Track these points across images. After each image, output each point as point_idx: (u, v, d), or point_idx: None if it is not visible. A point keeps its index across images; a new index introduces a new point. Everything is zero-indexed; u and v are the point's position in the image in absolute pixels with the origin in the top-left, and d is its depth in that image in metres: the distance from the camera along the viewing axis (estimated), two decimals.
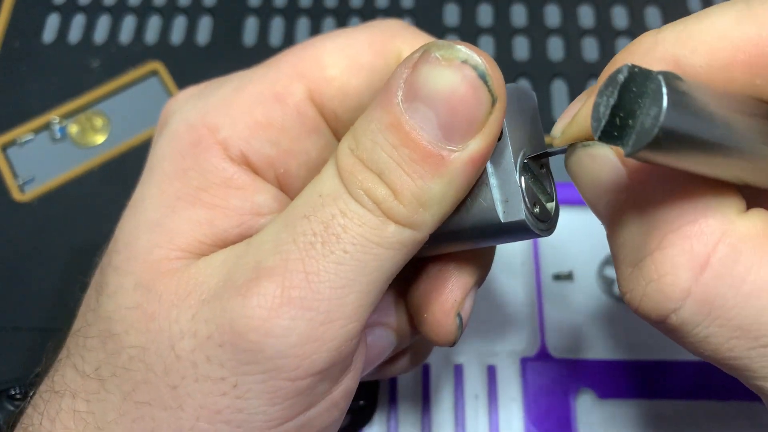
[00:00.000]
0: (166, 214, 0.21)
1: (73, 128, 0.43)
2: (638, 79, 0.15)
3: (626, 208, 0.18)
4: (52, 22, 0.47)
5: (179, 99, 0.24)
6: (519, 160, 0.21)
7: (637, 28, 0.46)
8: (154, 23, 0.47)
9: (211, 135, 0.22)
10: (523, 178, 0.20)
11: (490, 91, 0.19)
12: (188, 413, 0.19)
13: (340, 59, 0.23)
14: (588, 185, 0.19)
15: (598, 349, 0.35)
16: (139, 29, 0.47)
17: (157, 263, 0.20)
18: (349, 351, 0.20)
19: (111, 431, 0.20)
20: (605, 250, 0.37)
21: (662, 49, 0.18)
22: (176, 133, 0.22)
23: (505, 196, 0.20)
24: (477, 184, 0.20)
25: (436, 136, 0.19)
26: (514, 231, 0.21)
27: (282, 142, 0.22)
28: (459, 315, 0.24)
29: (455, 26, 0.47)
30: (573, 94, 0.44)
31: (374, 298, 0.20)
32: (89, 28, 0.47)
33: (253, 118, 0.22)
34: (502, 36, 0.46)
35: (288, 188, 0.23)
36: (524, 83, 0.19)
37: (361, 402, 0.33)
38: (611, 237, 0.19)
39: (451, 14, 0.47)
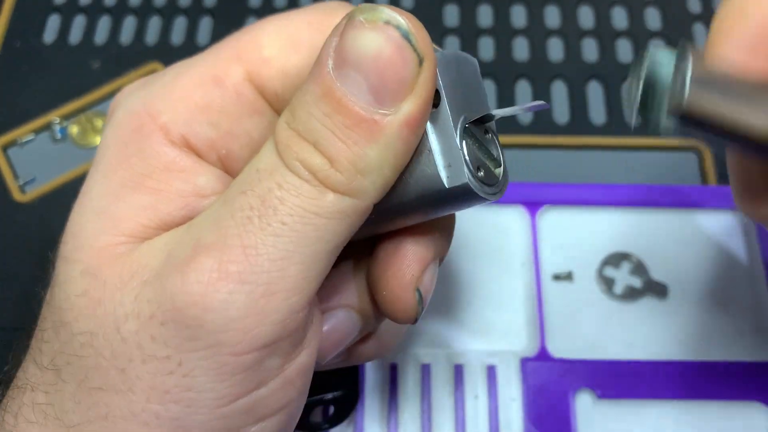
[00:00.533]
0: (111, 202, 0.21)
1: (74, 129, 0.43)
2: (661, 58, 0.17)
3: None
4: (53, 22, 0.47)
5: (125, 91, 0.24)
6: (460, 124, 0.20)
7: (636, 29, 0.46)
8: (154, 24, 0.47)
9: (152, 121, 0.22)
10: (464, 142, 0.20)
11: (415, 50, 0.19)
12: (138, 395, 0.19)
13: (277, 39, 0.23)
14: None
15: (598, 350, 0.35)
16: (140, 30, 0.47)
17: (102, 250, 0.20)
18: (296, 325, 0.20)
19: (69, 420, 0.20)
20: (605, 250, 0.37)
21: None
22: (119, 123, 0.22)
23: (448, 162, 0.20)
24: (419, 152, 0.20)
25: (367, 101, 0.19)
26: (460, 196, 0.21)
27: (222, 124, 0.22)
28: (418, 290, 0.23)
29: (455, 27, 0.47)
30: (573, 95, 0.44)
31: (319, 270, 0.20)
32: (90, 28, 0.47)
33: (192, 101, 0.22)
34: (502, 37, 0.46)
35: (231, 170, 0.23)
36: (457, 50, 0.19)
37: (339, 392, 0.33)
38: None
39: (451, 15, 0.47)
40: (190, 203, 0.21)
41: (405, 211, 0.22)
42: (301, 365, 0.21)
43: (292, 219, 0.19)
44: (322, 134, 0.19)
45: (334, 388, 0.27)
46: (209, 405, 0.19)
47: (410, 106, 0.19)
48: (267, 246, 0.19)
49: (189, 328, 0.19)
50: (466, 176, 0.20)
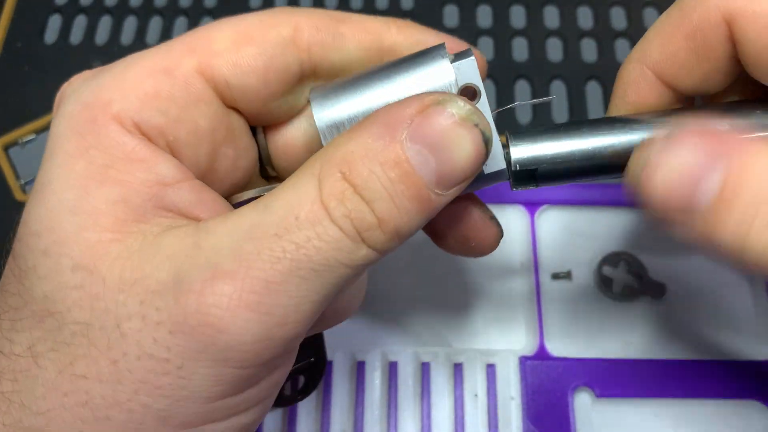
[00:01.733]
0: (81, 196, 0.22)
1: None
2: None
3: (738, 174, 0.20)
4: (54, 23, 0.47)
5: (73, 83, 0.25)
6: (493, 117, 0.22)
7: (635, 30, 0.47)
8: (155, 24, 0.47)
9: (105, 110, 0.22)
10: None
11: (487, 152, 0.21)
12: (126, 386, 0.20)
13: (230, 34, 0.24)
14: (681, 179, 0.20)
15: (597, 348, 0.35)
16: (141, 30, 0.47)
17: (92, 246, 0.21)
18: (294, 346, 0.22)
19: (38, 406, 0.20)
20: (603, 249, 0.38)
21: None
22: (72, 113, 0.23)
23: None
24: None
25: (431, 181, 0.20)
26: (492, 178, 0.23)
27: (170, 111, 0.23)
28: (494, 218, 0.26)
29: (455, 27, 0.47)
30: (571, 95, 0.44)
31: (323, 307, 0.21)
32: (91, 29, 0.47)
33: (142, 90, 0.23)
34: (501, 37, 0.46)
35: (178, 155, 0.24)
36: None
37: (306, 361, 0.33)
38: (720, 212, 0.20)
39: (451, 16, 0.48)
40: (155, 192, 0.22)
41: None
42: (285, 370, 0.23)
43: (323, 267, 0.20)
44: (382, 196, 0.20)
45: (302, 358, 0.27)
46: (199, 401, 0.21)
47: (458, 190, 0.21)
48: (291, 285, 0.20)
49: (199, 342, 0.20)
50: (504, 164, 0.23)
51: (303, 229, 0.20)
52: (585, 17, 0.47)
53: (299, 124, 0.26)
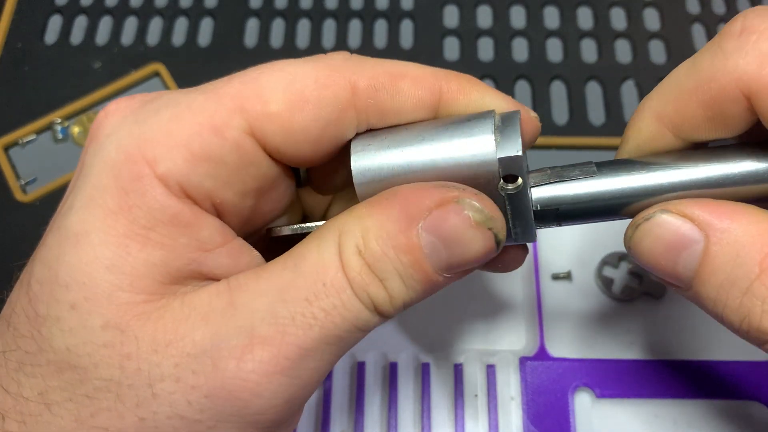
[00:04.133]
0: (120, 255, 0.21)
1: (75, 129, 0.43)
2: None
3: (714, 254, 0.21)
4: (55, 23, 0.47)
5: (113, 118, 0.24)
6: (530, 194, 0.23)
7: (635, 30, 0.47)
8: (155, 25, 0.47)
9: (151, 169, 0.22)
10: (532, 210, 0.23)
11: (498, 249, 0.22)
12: None
13: (283, 95, 0.22)
14: (663, 251, 0.22)
15: (597, 349, 0.35)
16: (141, 31, 0.47)
17: (125, 306, 0.21)
18: (305, 401, 0.23)
19: None
20: (603, 250, 0.38)
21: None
22: (115, 163, 0.22)
23: (516, 226, 0.24)
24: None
25: (440, 268, 0.22)
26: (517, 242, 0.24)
27: (220, 176, 0.22)
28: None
29: (454, 28, 0.47)
30: (571, 96, 0.44)
31: (331, 368, 0.23)
32: (91, 29, 0.47)
33: (190, 151, 0.22)
34: (501, 38, 0.47)
35: (224, 215, 0.23)
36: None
37: None
38: (700, 286, 0.22)
39: (451, 16, 0.48)
40: (195, 258, 0.22)
41: None
42: (293, 425, 0.24)
43: (346, 333, 0.22)
44: (392, 276, 0.21)
45: None
46: None
47: (467, 273, 0.23)
48: (320, 351, 0.21)
49: (234, 407, 0.21)
50: (535, 237, 0.24)
51: (330, 296, 0.21)
52: (585, 17, 0.47)
53: (342, 156, 0.25)
